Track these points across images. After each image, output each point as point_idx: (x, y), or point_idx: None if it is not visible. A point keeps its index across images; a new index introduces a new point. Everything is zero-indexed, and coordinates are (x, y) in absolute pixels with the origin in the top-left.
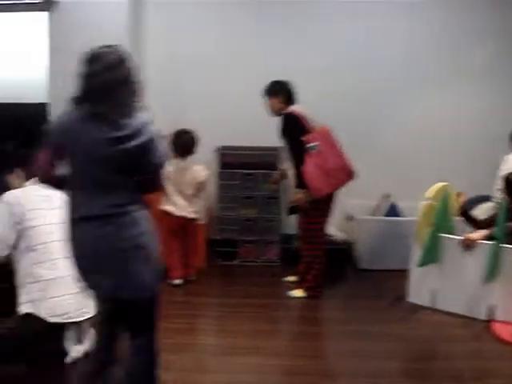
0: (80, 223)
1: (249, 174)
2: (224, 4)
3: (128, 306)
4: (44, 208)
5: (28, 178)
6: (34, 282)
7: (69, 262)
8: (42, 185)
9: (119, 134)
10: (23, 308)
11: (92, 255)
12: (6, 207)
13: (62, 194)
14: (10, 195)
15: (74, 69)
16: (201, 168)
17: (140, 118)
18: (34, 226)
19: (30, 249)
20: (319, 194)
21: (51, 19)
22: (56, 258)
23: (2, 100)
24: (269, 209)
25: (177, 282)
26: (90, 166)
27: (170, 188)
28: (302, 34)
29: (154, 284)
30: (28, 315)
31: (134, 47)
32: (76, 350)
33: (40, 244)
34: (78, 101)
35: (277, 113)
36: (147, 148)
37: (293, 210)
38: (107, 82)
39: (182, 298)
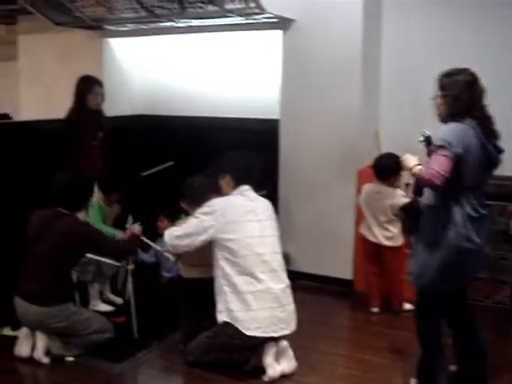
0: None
1: None
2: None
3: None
4: (249, 220)
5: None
6: (232, 293)
7: (268, 275)
8: (247, 195)
9: (495, 141)
10: (221, 316)
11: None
12: (211, 215)
13: (267, 206)
14: (217, 203)
15: (306, 87)
16: (401, 193)
17: None
18: (235, 239)
19: (231, 260)
20: None
21: (285, 37)
22: (256, 272)
23: (237, 115)
24: (503, 245)
25: (374, 309)
26: (479, 173)
27: (365, 211)
28: None
29: None
30: (226, 324)
31: (369, 68)
32: (273, 370)
33: (241, 257)
34: (460, 115)
35: None
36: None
37: None
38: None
39: (375, 327)
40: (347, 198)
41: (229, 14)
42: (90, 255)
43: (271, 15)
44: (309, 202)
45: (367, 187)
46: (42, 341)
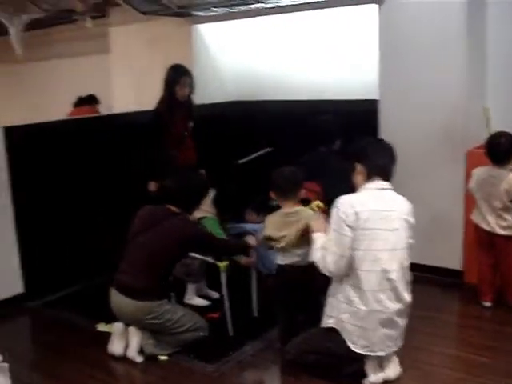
0: None
1: None
2: None
3: None
4: (379, 229)
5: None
6: (344, 303)
7: (388, 295)
8: (383, 196)
9: None
10: (329, 321)
11: None
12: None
13: (406, 209)
14: (345, 202)
15: (405, 65)
16: None
17: None
18: (362, 250)
19: (352, 271)
20: None
21: (381, 11)
22: (376, 291)
23: (334, 97)
24: None
25: (486, 303)
26: None
27: (478, 197)
28: None
29: None
30: (332, 329)
31: (474, 44)
32: (376, 377)
33: (364, 271)
34: None
35: None
36: None
37: None
38: None
39: (488, 324)
40: (455, 183)
41: None
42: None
43: None
44: (413, 188)
45: (479, 171)
46: (135, 339)
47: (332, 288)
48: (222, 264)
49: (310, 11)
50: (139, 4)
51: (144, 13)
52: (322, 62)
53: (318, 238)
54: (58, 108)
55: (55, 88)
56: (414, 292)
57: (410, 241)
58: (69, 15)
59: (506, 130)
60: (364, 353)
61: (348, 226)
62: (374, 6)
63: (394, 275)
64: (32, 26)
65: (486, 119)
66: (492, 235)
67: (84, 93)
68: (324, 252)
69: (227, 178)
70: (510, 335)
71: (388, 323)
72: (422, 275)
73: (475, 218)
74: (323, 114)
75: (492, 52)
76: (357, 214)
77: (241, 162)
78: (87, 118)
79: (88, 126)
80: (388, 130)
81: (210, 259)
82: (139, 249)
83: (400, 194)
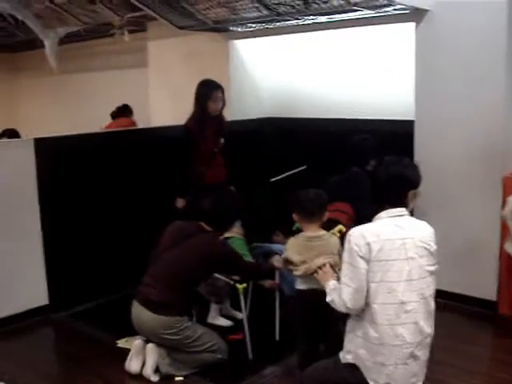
0: None
1: None
2: None
3: None
4: (395, 259)
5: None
6: (361, 337)
7: (408, 328)
8: (400, 224)
9: None
10: (347, 356)
11: None
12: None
13: (424, 236)
14: (357, 233)
15: (443, 84)
16: None
17: None
18: (376, 282)
19: (367, 305)
20: None
21: (418, 30)
22: (394, 324)
23: (371, 116)
24: None
25: None
26: None
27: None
28: None
29: None
30: (351, 366)
31: None
32: None
33: (379, 304)
34: None
35: None
36: None
37: None
38: None
39: None
40: (491, 209)
41: (355, 8)
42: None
43: (402, 6)
44: (446, 213)
45: None
46: (152, 357)
47: (349, 323)
48: (241, 286)
49: (348, 29)
50: (176, 19)
51: (181, 28)
52: (360, 80)
53: (330, 281)
54: (94, 121)
55: (94, 100)
56: (443, 321)
57: (432, 268)
58: (106, 29)
59: None
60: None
61: (361, 257)
62: (411, 25)
63: (411, 307)
64: (70, 38)
65: None
66: None
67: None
68: (338, 290)
69: (259, 196)
70: None
71: (408, 358)
72: (453, 304)
73: (509, 248)
74: (361, 134)
75: None
76: (369, 244)
77: (273, 180)
78: (118, 131)
79: (119, 139)
80: (423, 151)
81: (229, 280)
82: (165, 263)
83: (433, 217)
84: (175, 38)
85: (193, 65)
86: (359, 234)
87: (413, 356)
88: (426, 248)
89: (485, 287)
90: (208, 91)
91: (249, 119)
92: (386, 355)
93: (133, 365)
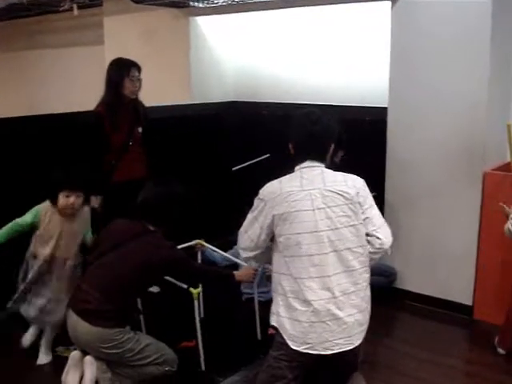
0: None
1: None
2: None
3: None
4: (298, 210)
5: None
6: (280, 295)
7: (319, 282)
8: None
9: None
10: (272, 319)
11: None
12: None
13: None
14: (265, 189)
15: (420, 70)
16: None
17: None
18: (284, 235)
19: (281, 258)
20: None
21: (394, 9)
22: (301, 278)
23: (341, 103)
24: None
25: (500, 350)
26: None
27: None
28: None
29: None
30: (276, 332)
31: (499, 52)
32: None
33: (288, 257)
34: None
35: None
36: None
37: None
38: None
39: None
40: (469, 208)
41: None
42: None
43: None
44: (420, 210)
45: None
46: (90, 371)
47: (272, 282)
48: (195, 291)
49: (319, 6)
50: None
51: (137, 2)
52: (329, 63)
53: None
54: (47, 102)
55: (45, 80)
56: (414, 326)
57: (350, 220)
58: (56, 2)
59: None
60: (305, 351)
61: (263, 209)
62: (387, 3)
63: (319, 260)
64: (17, 13)
65: (509, 137)
66: None
67: (78, 85)
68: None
69: (220, 188)
70: None
71: (326, 316)
72: (424, 307)
73: None
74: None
75: None
76: (273, 197)
77: (235, 169)
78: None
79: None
80: (396, 143)
81: (183, 285)
82: (104, 268)
83: (406, 215)
84: (132, 14)
85: (151, 43)
86: (266, 188)
87: (331, 314)
88: (341, 196)
89: (460, 291)
90: (123, 70)
91: (210, 102)
92: (299, 310)
93: (69, 378)
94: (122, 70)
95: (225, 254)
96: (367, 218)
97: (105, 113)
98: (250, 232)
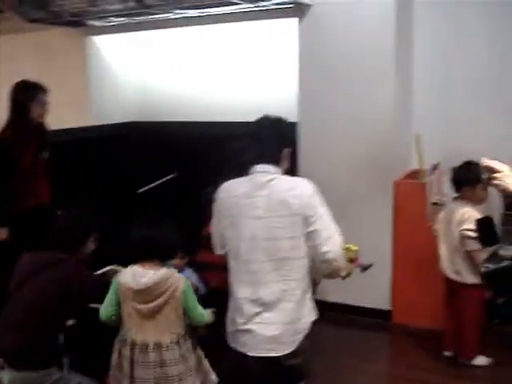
0: None
1: None
2: None
3: None
4: (242, 216)
5: None
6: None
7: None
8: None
9: None
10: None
11: None
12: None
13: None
14: (219, 191)
15: (328, 85)
16: (471, 214)
17: None
18: (228, 237)
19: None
20: None
21: (301, 26)
22: (236, 281)
23: (246, 118)
24: None
25: (446, 353)
26: None
27: (440, 236)
28: None
29: None
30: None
31: (402, 56)
32: None
33: (233, 260)
34: None
35: None
36: None
37: None
38: None
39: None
40: (382, 216)
41: (233, 1)
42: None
43: (283, 0)
44: (336, 221)
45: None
46: None
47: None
48: (68, 323)
49: (220, 24)
50: (26, 11)
51: (32, 21)
52: (235, 80)
53: None
54: None
55: None
56: (336, 336)
57: (288, 233)
58: None
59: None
60: (241, 350)
61: (217, 211)
62: (294, 20)
63: (255, 267)
64: None
65: (417, 146)
66: (449, 281)
67: None
68: None
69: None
70: None
71: (255, 320)
72: (344, 316)
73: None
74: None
75: (418, 79)
76: (221, 200)
77: (141, 190)
78: None
79: None
80: (307, 155)
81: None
82: (18, 305)
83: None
84: (27, 33)
85: (46, 63)
86: (219, 189)
87: (261, 318)
88: (285, 207)
89: (378, 297)
90: (30, 93)
91: (110, 124)
92: (235, 312)
93: None
94: (28, 93)
95: None
96: (314, 230)
97: (12, 137)
98: (214, 233)
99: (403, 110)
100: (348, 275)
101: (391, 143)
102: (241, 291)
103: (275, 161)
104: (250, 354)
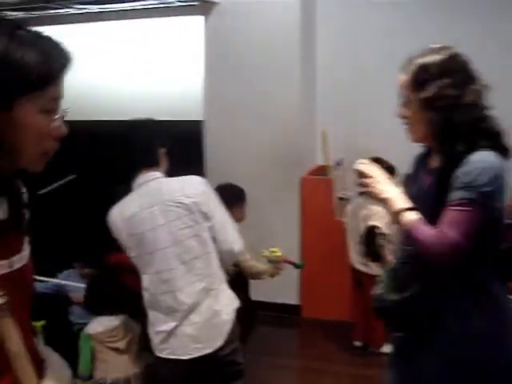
0: None
1: None
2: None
3: None
4: (143, 231)
5: None
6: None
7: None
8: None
9: None
10: None
11: None
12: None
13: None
14: (109, 218)
15: (233, 83)
16: (378, 210)
17: None
18: (133, 256)
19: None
20: None
21: (207, 24)
22: (152, 293)
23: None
24: None
25: (356, 343)
26: None
27: (347, 229)
28: None
29: None
30: None
31: (307, 54)
32: None
33: (145, 274)
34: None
35: None
36: None
37: None
38: None
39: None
40: (289, 211)
41: None
42: None
43: None
44: (247, 223)
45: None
46: None
47: None
48: (39, 324)
49: (130, 20)
50: None
51: None
52: (140, 77)
53: None
54: None
55: None
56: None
57: (192, 230)
58: None
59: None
60: (166, 356)
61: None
62: (200, 18)
63: (168, 275)
64: None
65: (323, 143)
66: (357, 272)
67: None
68: None
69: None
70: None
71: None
72: (263, 313)
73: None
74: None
75: (321, 77)
76: (115, 223)
77: (42, 192)
78: None
79: None
80: (213, 154)
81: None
82: None
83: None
84: None
85: None
86: (109, 216)
87: (186, 321)
88: (180, 208)
89: (287, 292)
90: None
91: None
92: (158, 322)
93: None
94: None
95: (54, 280)
96: (212, 225)
97: None
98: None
99: (308, 108)
100: (272, 275)
101: (297, 140)
102: (162, 300)
103: (155, 163)
104: (183, 357)
